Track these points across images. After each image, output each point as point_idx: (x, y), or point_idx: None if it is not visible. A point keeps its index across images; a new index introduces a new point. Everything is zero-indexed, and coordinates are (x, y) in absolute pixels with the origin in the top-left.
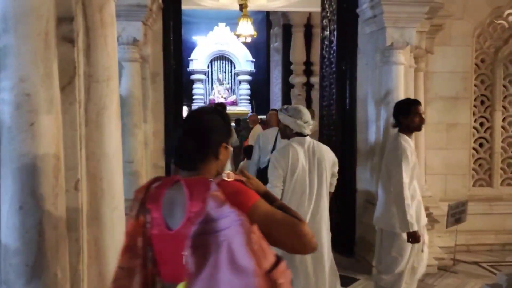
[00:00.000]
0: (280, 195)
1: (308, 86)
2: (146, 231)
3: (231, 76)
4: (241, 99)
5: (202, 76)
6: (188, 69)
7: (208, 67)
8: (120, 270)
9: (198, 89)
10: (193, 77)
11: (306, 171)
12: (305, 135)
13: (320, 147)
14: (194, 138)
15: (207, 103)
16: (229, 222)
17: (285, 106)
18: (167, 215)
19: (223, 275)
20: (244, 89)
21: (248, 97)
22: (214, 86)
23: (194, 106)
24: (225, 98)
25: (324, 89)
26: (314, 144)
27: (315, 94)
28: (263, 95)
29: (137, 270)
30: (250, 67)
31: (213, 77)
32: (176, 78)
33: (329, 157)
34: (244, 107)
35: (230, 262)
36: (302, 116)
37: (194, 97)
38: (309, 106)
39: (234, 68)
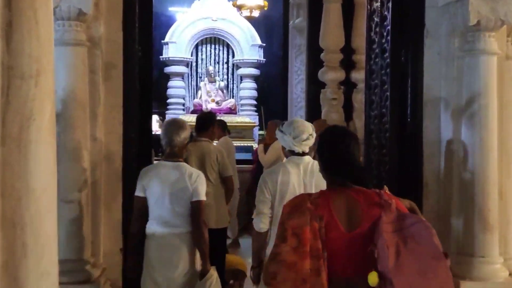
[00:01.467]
0: (267, 223)
1: (348, 86)
2: (321, 234)
3: (228, 69)
4: (243, 105)
5: (182, 69)
6: (161, 57)
7: (191, 55)
8: (308, 272)
9: (175, 88)
10: (169, 70)
11: None
12: (301, 154)
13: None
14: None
15: (190, 109)
16: (414, 220)
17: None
18: (341, 219)
19: (425, 261)
20: (248, 90)
21: (254, 102)
22: (201, 84)
23: (171, 114)
24: (217, 103)
25: (373, 90)
26: (314, 165)
27: (359, 98)
28: (278, 99)
29: (322, 269)
30: (258, 56)
31: (200, 71)
32: (143, 72)
33: None
34: (247, 117)
35: (429, 250)
36: (293, 131)
37: (169, 100)
38: (348, 117)
39: (233, 57)
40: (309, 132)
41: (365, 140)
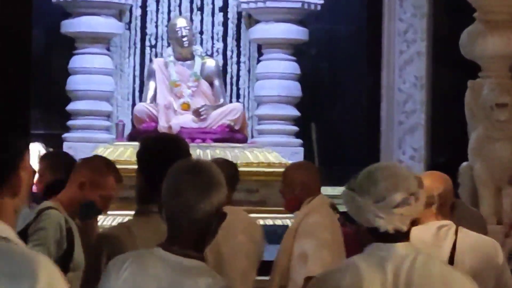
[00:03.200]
0: None
1: None
2: None
3: (227, 26)
4: (263, 121)
5: (107, 25)
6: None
7: None
8: None
9: (91, 75)
10: (74, 28)
11: None
12: (392, 237)
13: (430, 276)
14: None
15: (125, 129)
16: None
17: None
18: None
19: None
20: (278, 80)
21: (293, 113)
22: (156, 64)
23: (78, 142)
24: (199, 113)
25: None
26: (416, 264)
27: None
28: (353, 106)
29: None
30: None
31: (153, 31)
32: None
33: None
34: (271, 151)
35: None
36: (374, 187)
37: (74, 106)
38: None
39: None
40: (408, 190)
41: None
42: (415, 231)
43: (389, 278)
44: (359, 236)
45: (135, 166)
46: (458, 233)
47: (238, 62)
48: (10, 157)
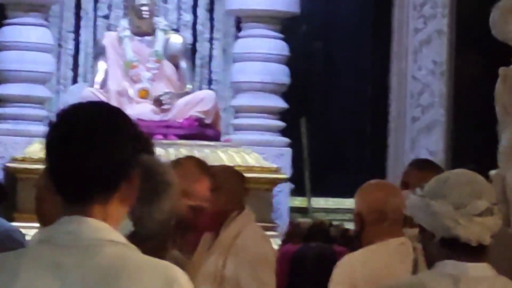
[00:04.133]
0: None
1: None
2: None
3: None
4: (240, 113)
5: None
6: None
7: None
8: None
9: (20, 47)
10: None
11: None
12: (472, 252)
13: None
14: None
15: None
16: None
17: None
18: None
19: None
20: (261, 63)
21: (278, 104)
22: (107, 39)
23: (4, 135)
24: (160, 101)
25: None
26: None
27: None
28: (354, 95)
29: None
30: None
31: (112, 0)
32: None
33: None
34: (250, 152)
35: None
36: (449, 192)
37: (5, 87)
38: None
39: None
40: (491, 199)
41: None
42: (374, 249)
43: None
44: (427, 251)
45: None
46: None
47: (211, 39)
48: (126, 163)
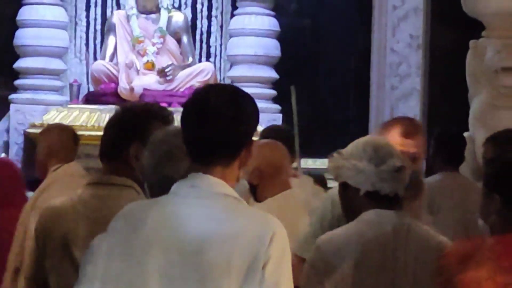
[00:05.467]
0: None
1: None
2: None
3: None
4: (237, 81)
5: None
6: None
7: None
8: None
9: (41, 28)
10: None
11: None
12: (389, 202)
13: (419, 237)
14: None
15: (81, 90)
16: None
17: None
18: None
19: None
20: (254, 38)
21: (271, 75)
22: (117, 17)
23: (23, 103)
24: (165, 72)
25: None
26: (411, 229)
27: None
28: (338, 66)
29: None
30: None
31: None
32: None
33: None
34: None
35: None
36: (374, 152)
37: (22, 63)
38: None
39: None
40: (400, 159)
41: None
42: (279, 199)
43: (383, 239)
44: (352, 204)
45: (92, 133)
46: None
47: (209, 17)
48: (250, 131)
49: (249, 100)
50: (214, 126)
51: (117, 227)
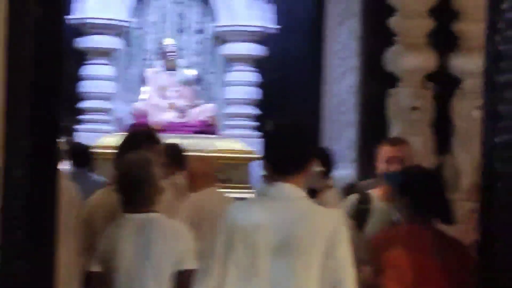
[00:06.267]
0: None
1: (444, 83)
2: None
3: (203, 44)
4: (230, 118)
5: (110, 42)
6: (70, 19)
7: (129, 16)
8: None
9: (95, 80)
10: (85, 43)
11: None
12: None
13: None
14: None
15: (122, 123)
16: None
17: None
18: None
19: None
20: (241, 86)
21: (253, 111)
22: (148, 72)
23: (85, 133)
24: (181, 111)
25: (500, 93)
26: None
27: (465, 108)
28: (301, 106)
29: None
30: (262, 20)
31: (146, 47)
32: (46, 45)
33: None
34: (236, 141)
35: None
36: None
37: (83, 104)
38: (443, 146)
39: (213, 20)
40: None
41: (485, 194)
42: (206, 193)
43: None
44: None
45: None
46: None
47: (211, 73)
48: (309, 154)
49: (307, 129)
50: (289, 150)
51: (228, 221)
